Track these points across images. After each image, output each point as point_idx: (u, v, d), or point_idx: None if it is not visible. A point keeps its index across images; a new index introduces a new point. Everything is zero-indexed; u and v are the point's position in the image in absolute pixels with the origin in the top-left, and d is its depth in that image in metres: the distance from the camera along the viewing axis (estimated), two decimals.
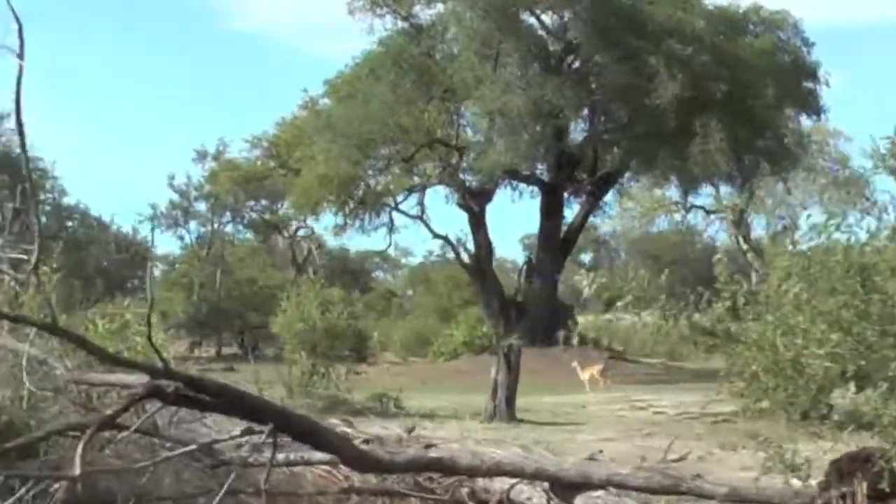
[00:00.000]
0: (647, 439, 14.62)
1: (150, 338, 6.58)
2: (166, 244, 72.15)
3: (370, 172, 35.87)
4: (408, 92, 33.56)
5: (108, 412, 6.47)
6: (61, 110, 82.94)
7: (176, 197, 64.14)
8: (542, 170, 37.21)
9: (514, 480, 7.78)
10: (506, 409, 18.43)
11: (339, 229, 41.02)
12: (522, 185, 39.01)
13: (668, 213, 55.81)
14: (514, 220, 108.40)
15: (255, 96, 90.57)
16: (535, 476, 7.67)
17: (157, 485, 7.03)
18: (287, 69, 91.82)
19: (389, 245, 42.14)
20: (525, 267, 39.72)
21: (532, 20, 34.38)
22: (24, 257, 7.17)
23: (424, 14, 35.51)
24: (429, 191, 38.34)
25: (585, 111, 35.90)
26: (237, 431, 7.06)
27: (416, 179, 37.05)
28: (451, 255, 41.35)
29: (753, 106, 32.36)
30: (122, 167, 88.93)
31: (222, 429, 7.94)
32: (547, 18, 34.73)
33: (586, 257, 70.90)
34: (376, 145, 33.51)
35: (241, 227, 65.25)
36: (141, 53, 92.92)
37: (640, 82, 31.21)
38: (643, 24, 32.25)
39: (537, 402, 21.40)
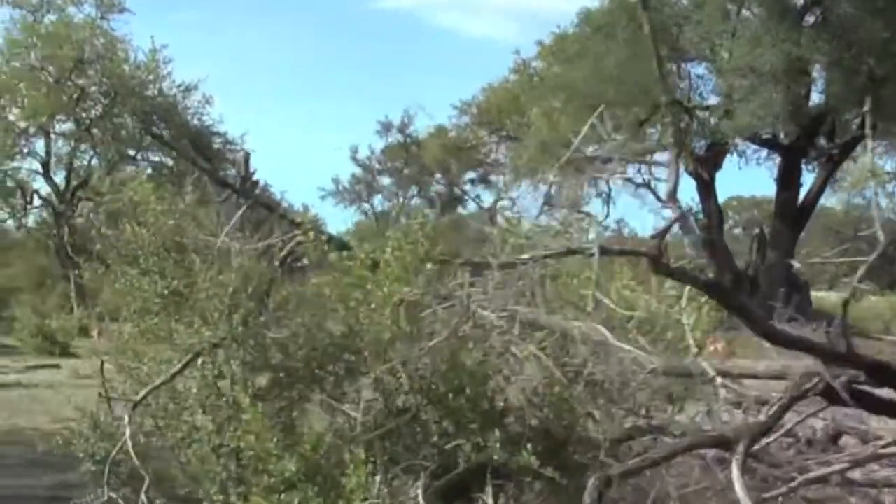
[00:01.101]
0: None
1: None
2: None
3: (597, 136, 33.76)
4: (645, 49, 31.34)
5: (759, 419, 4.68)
6: (242, 91, 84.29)
7: (359, 171, 63.95)
8: (781, 133, 34.57)
9: None
10: None
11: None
12: (751, 151, 36.65)
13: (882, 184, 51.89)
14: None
15: (414, 73, 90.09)
16: None
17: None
18: (437, 46, 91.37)
19: (607, 216, 40.03)
20: (756, 239, 37.10)
21: None
22: None
23: None
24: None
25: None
26: None
27: (645, 144, 34.83)
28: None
29: None
30: (303, 144, 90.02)
31: None
32: None
33: None
34: (613, 107, 31.42)
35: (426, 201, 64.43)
36: (291, 35, 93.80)
37: None
38: None
39: None
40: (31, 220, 47.72)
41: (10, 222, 71.54)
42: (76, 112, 40.62)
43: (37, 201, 44.10)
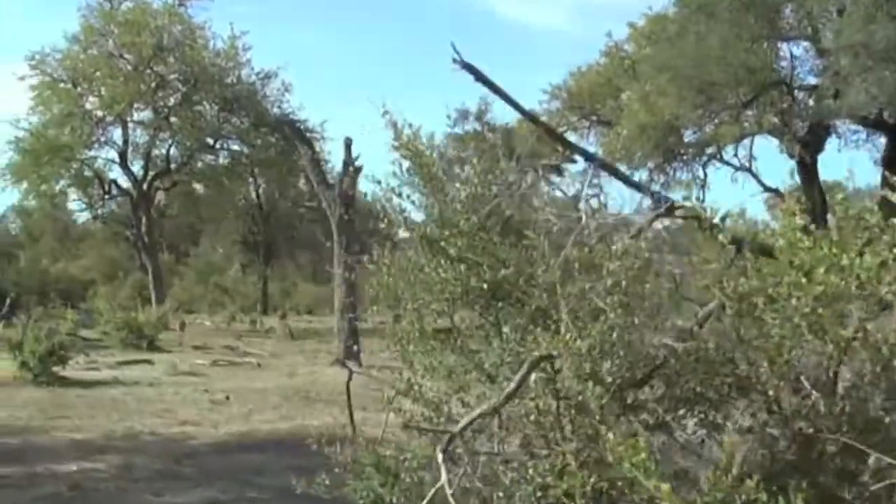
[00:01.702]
0: None
1: None
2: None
3: (699, 118, 32.58)
4: (751, 28, 30.12)
5: None
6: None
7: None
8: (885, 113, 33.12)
9: None
10: None
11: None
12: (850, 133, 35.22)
13: None
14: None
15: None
16: None
17: None
18: (484, 32, 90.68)
19: (702, 201, 38.74)
20: None
21: None
22: None
23: None
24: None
25: None
26: None
27: (745, 127, 33.58)
28: None
29: None
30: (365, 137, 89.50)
31: None
32: None
33: None
34: (720, 88, 30.23)
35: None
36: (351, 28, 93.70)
37: None
38: None
39: None
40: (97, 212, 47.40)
41: (84, 214, 72.06)
42: (154, 100, 40.06)
43: (114, 192, 43.45)
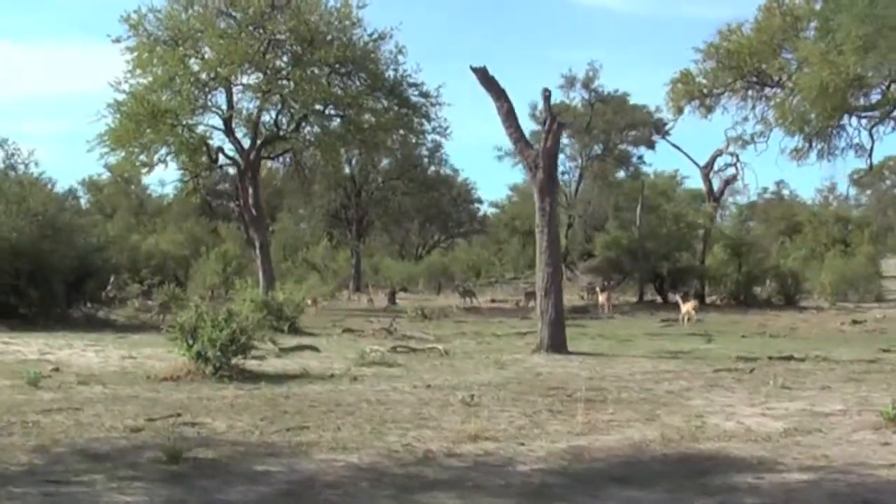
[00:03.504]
0: None
1: None
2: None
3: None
4: None
5: None
6: None
7: (538, 128, 59.72)
8: None
9: None
10: None
11: (799, 153, 34.52)
12: None
13: None
14: None
15: None
16: None
17: None
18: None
19: (870, 169, 35.33)
20: None
21: None
22: None
23: None
24: None
25: None
26: None
27: None
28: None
29: None
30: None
31: None
32: None
33: None
34: None
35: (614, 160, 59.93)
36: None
37: None
38: None
39: None
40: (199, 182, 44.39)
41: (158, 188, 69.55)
42: (264, 62, 36.77)
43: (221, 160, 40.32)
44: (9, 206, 27.51)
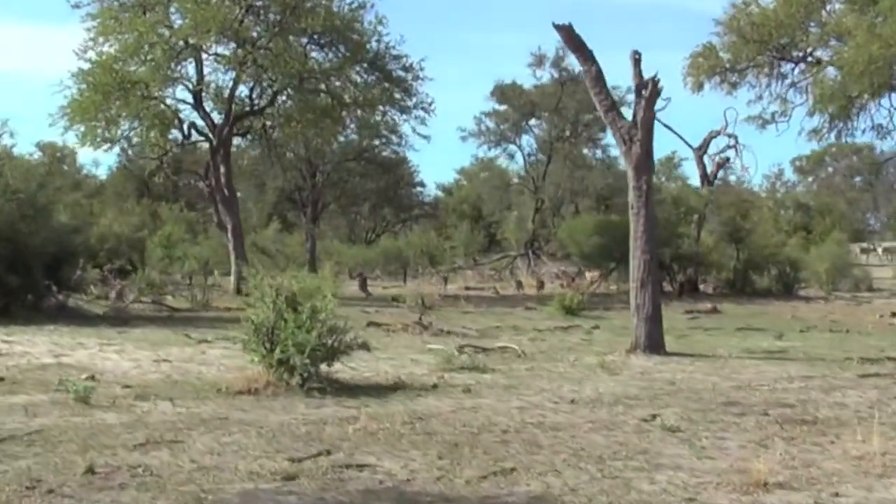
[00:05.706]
0: None
1: None
2: None
3: None
4: None
5: None
6: None
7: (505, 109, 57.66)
8: None
9: None
10: None
11: (818, 133, 32.88)
12: None
13: None
14: None
15: None
16: None
17: None
18: None
19: None
20: None
21: None
22: None
23: None
24: None
25: None
26: None
27: None
28: None
29: None
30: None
31: None
32: None
33: None
34: None
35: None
36: None
37: None
38: None
39: None
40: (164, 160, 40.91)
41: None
42: (241, 30, 33.64)
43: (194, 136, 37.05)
44: None
